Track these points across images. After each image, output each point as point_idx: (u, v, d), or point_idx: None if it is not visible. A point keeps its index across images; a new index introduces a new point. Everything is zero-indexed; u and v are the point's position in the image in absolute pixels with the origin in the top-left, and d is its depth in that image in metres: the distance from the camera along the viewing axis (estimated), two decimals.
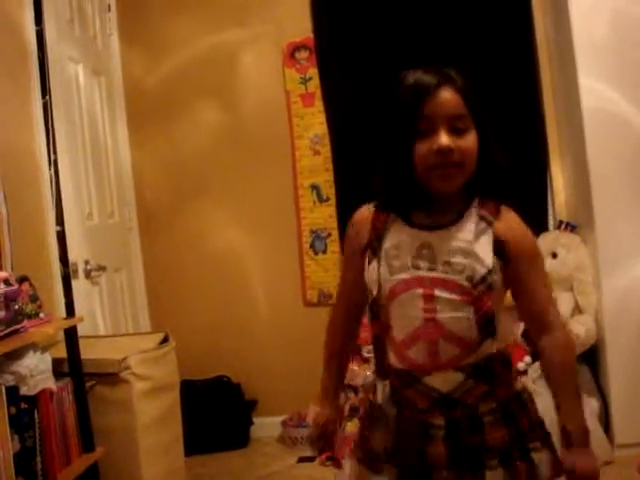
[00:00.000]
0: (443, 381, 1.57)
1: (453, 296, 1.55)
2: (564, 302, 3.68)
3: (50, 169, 2.92)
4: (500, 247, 1.57)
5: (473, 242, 1.57)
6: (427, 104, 1.55)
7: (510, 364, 1.68)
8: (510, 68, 4.01)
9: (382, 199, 1.67)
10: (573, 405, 1.71)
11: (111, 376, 2.71)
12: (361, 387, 3.69)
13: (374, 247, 1.63)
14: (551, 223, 4.10)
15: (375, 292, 1.60)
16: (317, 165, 4.18)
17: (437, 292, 1.55)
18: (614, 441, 3.49)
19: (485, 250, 1.57)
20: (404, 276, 1.57)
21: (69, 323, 2.69)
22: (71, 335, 2.68)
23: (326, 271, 4.24)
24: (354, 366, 3.72)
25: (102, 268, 3.55)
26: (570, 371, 1.71)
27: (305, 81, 4.22)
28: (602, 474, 3.27)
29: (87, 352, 2.73)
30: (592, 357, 3.67)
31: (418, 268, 1.57)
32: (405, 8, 4.09)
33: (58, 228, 2.84)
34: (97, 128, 3.89)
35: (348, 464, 1.71)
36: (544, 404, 3.43)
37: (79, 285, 3.29)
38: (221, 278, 4.34)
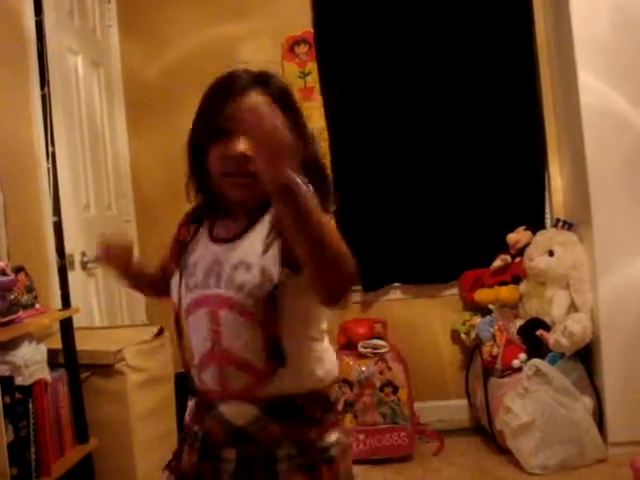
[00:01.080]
0: (236, 412, 1.44)
1: (237, 317, 1.42)
2: (560, 300, 3.69)
3: (48, 161, 2.92)
4: (291, 254, 1.33)
5: (261, 254, 1.42)
6: (230, 103, 1.43)
7: (330, 408, 1.51)
8: (509, 65, 4.03)
9: (193, 208, 1.60)
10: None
11: (106, 367, 2.71)
12: (356, 382, 3.70)
13: (180, 259, 1.55)
14: (548, 221, 4.11)
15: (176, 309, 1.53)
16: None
17: (222, 312, 1.43)
18: (608, 439, 3.50)
19: (273, 263, 1.40)
20: (194, 295, 1.48)
21: (65, 314, 2.69)
22: (66, 326, 2.68)
23: None
24: (349, 361, 3.73)
25: None
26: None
27: (304, 75, 4.21)
28: (595, 472, 3.32)
29: (82, 343, 2.73)
30: (587, 355, 3.68)
31: (207, 286, 1.46)
32: (407, 4, 4.09)
33: (55, 219, 2.84)
34: (95, 120, 3.89)
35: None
36: (537, 401, 3.47)
37: (75, 276, 3.29)
38: None
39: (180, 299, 1.51)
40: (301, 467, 1.43)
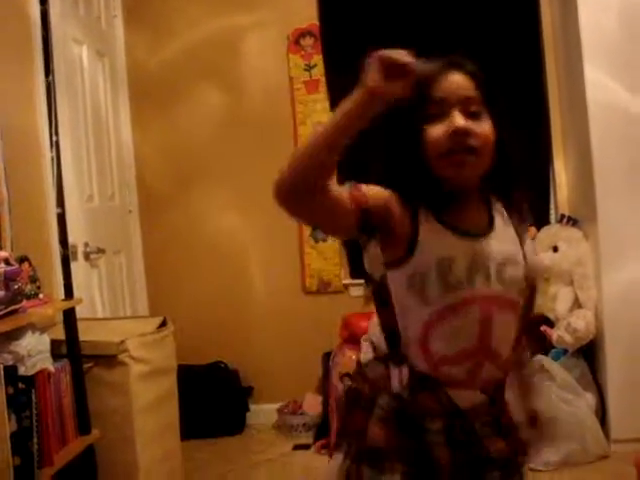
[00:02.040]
0: (465, 399, 1.45)
1: (507, 314, 1.44)
2: (564, 296, 3.69)
3: (52, 150, 2.90)
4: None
5: (519, 245, 1.46)
6: (437, 86, 1.42)
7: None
8: (515, 60, 4.01)
9: (404, 192, 1.43)
10: None
11: (109, 358, 2.71)
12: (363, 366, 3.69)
13: (399, 257, 1.42)
14: (553, 217, 4.09)
15: (407, 296, 1.42)
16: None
17: (494, 312, 1.42)
18: (610, 436, 3.49)
19: (531, 250, 1.47)
20: (461, 294, 1.40)
21: (68, 304, 2.68)
22: (69, 316, 2.67)
23: (326, 259, 4.23)
24: (352, 355, 3.72)
25: (101, 250, 3.54)
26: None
27: (309, 68, 4.20)
28: (598, 469, 3.31)
29: (85, 334, 2.72)
30: (590, 352, 3.67)
31: (473, 283, 1.40)
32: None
33: (58, 210, 2.83)
34: (99, 110, 3.88)
35: (336, 458, 1.50)
36: (541, 397, 3.44)
37: (78, 267, 3.29)
38: (220, 264, 4.33)
39: (427, 295, 1.40)
40: (498, 432, 1.48)
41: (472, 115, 1.40)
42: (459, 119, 1.38)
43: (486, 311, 1.41)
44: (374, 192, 1.41)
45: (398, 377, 1.46)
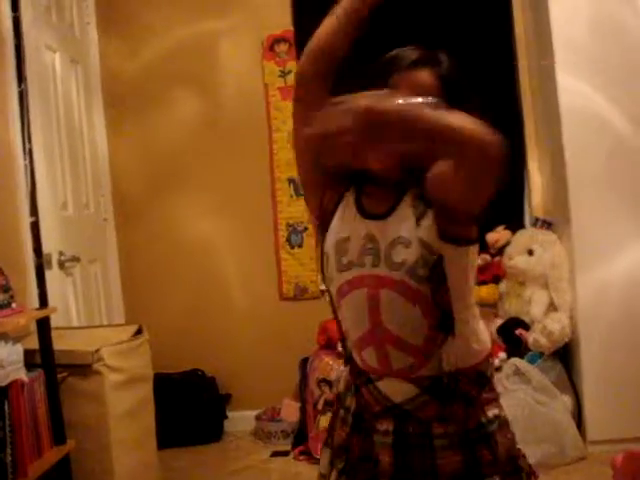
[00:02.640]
0: (395, 390, 1.45)
1: (397, 296, 1.40)
2: (539, 299, 3.71)
3: (25, 159, 2.89)
4: (448, 225, 1.39)
5: (415, 227, 1.40)
6: (394, 76, 1.43)
7: (486, 384, 1.51)
8: (489, 65, 4.03)
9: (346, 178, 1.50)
10: None
11: (83, 368, 2.69)
12: (334, 380, 3.69)
13: (325, 220, 1.51)
14: (527, 220, 4.12)
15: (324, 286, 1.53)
16: (294, 159, 4.15)
17: (382, 293, 1.41)
18: (587, 438, 3.51)
19: (428, 233, 1.39)
20: (349, 275, 1.44)
21: (42, 314, 2.66)
22: (43, 326, 2.65)
23: (302, 265, 4.22)
24: (329, 360, 3.72)
25: (76, 259, 3.51)
26: None
27: (284, 74, 4.20)
28: (575, 470, 3.32)
29: (60, 343, 2.70)
30: (566, 354, 3.69)
31: (363, 265, 1.42)
32: (387, 5, 4.08)
33: (32, 219, 2.81)
34: (73, 117, 3.85)
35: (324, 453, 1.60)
36: (516, 400, 3.48)
37: (53, 276, 3.26)
38: (197, 271, 4.31)
39: (328, 277, 1.48)
40: (458, 445, 1.43)
41: None
42: None
43: (373, 292, 1.41)
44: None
45: (345, 378, 1.54)
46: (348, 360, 1.54)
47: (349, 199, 1.49)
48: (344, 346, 1.55)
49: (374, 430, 1.47)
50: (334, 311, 1.53)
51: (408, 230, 1.40)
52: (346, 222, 1.47)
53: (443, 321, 1.42)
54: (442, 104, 1.28)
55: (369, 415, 1.48)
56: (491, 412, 1.49)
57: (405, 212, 1.43)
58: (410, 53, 1.46)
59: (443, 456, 1.42)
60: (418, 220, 1.40)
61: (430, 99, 1.28)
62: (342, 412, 1.54)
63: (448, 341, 1.43)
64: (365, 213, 1.46)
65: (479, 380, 1.49)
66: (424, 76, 1.42)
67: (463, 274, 1.44)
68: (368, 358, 1.46)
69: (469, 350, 1.47)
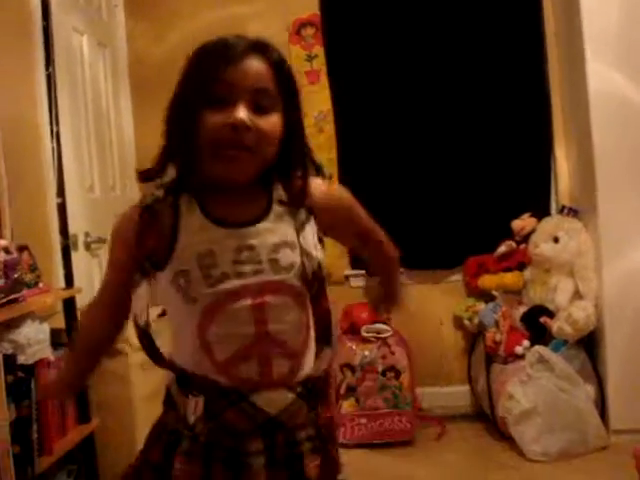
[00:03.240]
0: (271, 401, 1.36)
1: (286, 300, 1.37)
2: (564, 287, 3.69)
3: (52, 141, 2.91)
4: (322, 224, 1.44)
5: (296, 234, 1.38)
6: (229, 68, 1.32)
7: (329, 383, 1.52)
8: (517, 49, 4.00)
9: (171, 185, 1.40)
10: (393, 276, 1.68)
11: None
12: (359, 366, 3.70)
13: (163, 256, 1.36)
14: (554, 208, 4.09)
15: (178, 305, 1.38)
16: (321, 143, 4.15)
17: (268, 299, 1.35)
18: (610, 427, 3.50)
19: (311, 240, 1.40)
20: (226, 286, 1.33)
21: (68, 293, 2.69)
22: (69, 306, 2.68)
23: (326, 250, 4.21)
24: (352, 345, 3.73)
25: (102, 240, 3.54)
26: (393, 261, 1.66)
27: (310, 58, 4.18)
28: (597, 459, 3.32)
29: None
30: (590, 343, 3.67)
31: (241, 275, 1.34)
32: None
33: (59, 200, 2.84)
34: (101, 100, 3.87)
35: None
36: (539, 388, 3.47)
37: (79, 257, 3.29)
38: None
39: (192, 296, 1.34)
40: (318, 449, 1.42)
41: (260, 109, 1.32)
42: (241, 112, 1.30)
43: (258, 299, 1.34)
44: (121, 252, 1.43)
45: (193, 408, 1.37)
46: (199, 388, 1.39)
47: (191, 211, 1.37)
48: (185, 377, 1.43)
49: (243, 453, 1.36)
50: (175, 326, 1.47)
51: (291, 235, 1.38)
52: (197, 235, 1.35)
53: (323, 329, 1.44)
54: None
55: (231, 439, 1.36)
56: (332, 415, 1.50)
57: (281, 218, 1.39)
58: (237, 41, 1.36)
59: (309, 461, 1.40)
60: (298, 230, 1.39)
61: None
62: (185, 444, 1.38)
63: (324, 348, 1.45)
64: (224, 222, 1.36)
65: (327, 381, 1.50)
66: (256, 64, 1.34)
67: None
68: (245, 372, 1.35)
69: (326, 355, 1.47)
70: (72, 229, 3.15)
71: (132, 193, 4.21)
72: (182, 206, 1.37)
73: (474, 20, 4.03)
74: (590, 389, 3.53)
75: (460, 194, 4.05)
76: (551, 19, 4.04)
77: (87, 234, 3.42)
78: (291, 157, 1.40)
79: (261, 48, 1.36)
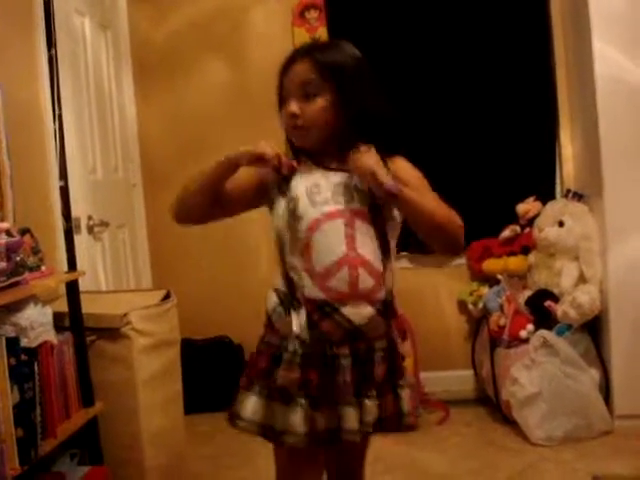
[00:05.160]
0: (357, 313, 1.73)
1: (365, 225, 1.76)
2: (569, 271, 3.67)
3: (54, 123, 2.88)
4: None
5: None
6: (285, 76, 1.83)
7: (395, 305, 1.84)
8: (522, 32, 3.98)
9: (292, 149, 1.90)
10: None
11: (112, 331, 2.70)
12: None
13: (282, 187, 1.82)
14: (558, 191, 4.07)
15: (288, 227, 1.77)
16: None
17: (356, 222, 1.75)
18: (614, 412, 3.49)
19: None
20: (326, 208, 1.76)
21: (70, 277, 2.67)
22: (72, 289, 2.66)
23: None
24: None
25: (105, 224, 3.53)
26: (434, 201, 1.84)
27: (315, 41, 4.15)
28: (602, 444, 3.32)
29: (88, 307, 2.72)
30: (595, 327, 3.66)
31: (338, 202, 1.76)
32: None
33: (61, 182, 2.81)
34: (103, 82, 3.85)
35: (250, 399, 1.82)
36: (544, 372, 3.46)
37: (81, 240, 3.27)
38: (225, 237, 4.32)
39: (298, 215, 1.76)
40: (386, 358, 1.80)
41: (308, 96, 1.78)
42: (291, 105, 1.79)
43: (349, 221, 1.75)
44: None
45: (297, 321, 1.75)
46: (298, 304, 1.76)
47: (305, 164, 1.84)
48: (291, 291, 1.77)
49: (335, 357, 1.74)
50: (282, 252, 1.80)
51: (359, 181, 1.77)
52: (308, 176, 1.81)
53: (385, 243, 1.78)
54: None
55: (326, 346, 1.74)
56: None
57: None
58: (293, 53, 1.85)
59: (378, 365, 1.78)
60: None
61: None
62: (287, 355, 1.76)
63: (387, 268, 1.78)
64: (328, 168, 1.82)
65: (393, 302, 1.83)
66: (299, 65, 1.80)
67: (391, 211, 1.80)
68: (337, 284, 1.72)
69: (393, 278, 1.81)
70: (75, 212, 3.12)
71: (134, 175, 4.21)
72: (301, 158, 1.86)
73: (480, 3, 4.00)
74: (594, 374, 3.52)
75: (464, 177, 4.04)
76: (557, 1, 4.01)
77: (90, 217, 3.41)
78: (355, 127, 1.79)
79: (308, 51, 1.82)
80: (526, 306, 3.75)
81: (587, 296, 3.52)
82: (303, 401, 1.72)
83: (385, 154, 1.79)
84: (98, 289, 3.43)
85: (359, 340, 1.75)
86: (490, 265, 3.96)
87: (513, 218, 3.96)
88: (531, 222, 3.90)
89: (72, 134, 3.25)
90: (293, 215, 1.77)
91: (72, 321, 2.65)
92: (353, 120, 1.79)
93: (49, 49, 2.85)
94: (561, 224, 3.72)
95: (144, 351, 2.73)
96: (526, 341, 3.60)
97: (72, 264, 2.77)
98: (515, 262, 3.89)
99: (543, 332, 3.53)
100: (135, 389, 2.70)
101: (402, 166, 1.85)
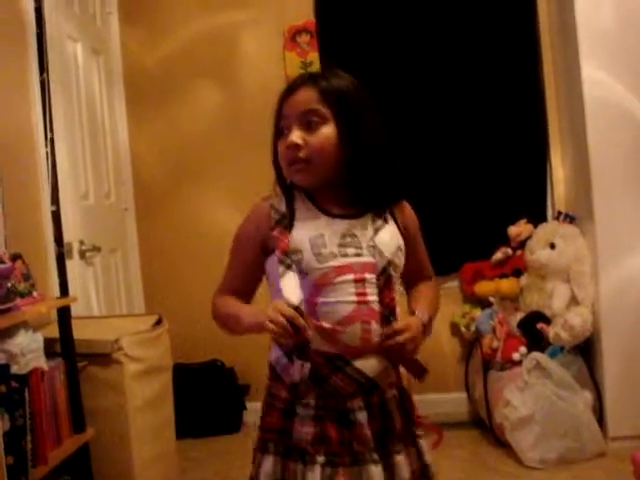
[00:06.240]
0: (371, 365, 1.63)
1: (372, 276, 1.64)
2: (561, 293, 3.68)
3: (46, 147, 2.90)
4: (402, 232, 1.72)
5: (375, 232, 1.68)
6: (285, 104, 1.66)
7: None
8: (512, 55, 4.01)
9: (285, 191, 1.73)
10: (425, 305, 1.79)
11: (103, 357, 2.70)
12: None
13: (286, 236, 1.65)
14: (550, 214, 4.08)
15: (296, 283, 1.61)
16: None
17: (366, 275, 1.63)
18: (607, 433, 3.48)
19: (388, 241, 1.68)
20: (334, 263, 1.62)
21: (62, 302, 2.67)
22: (64, 315, 2.66)
23: None
24: None
25: (97, 249, 3.53)
26: (432, 295, 1.86)
27: (306, 65, 4.18)
28: (595, 466, 3.30)
29: (80, 332, 2.71)
30: (587, 349, 3.66)
31: (346, 255, 1.63)
32: None
33: (53, 207, 2.83)
34: (95, 107, 3.86)
35: (266, 460, 1.68)
36: (537, 394, 3.46)
37: (73, 265, 3.27)
38: (217, 261, 4.23)
39: (303, 270, 1.61)
40: (400, 406, 1.70)
41: (311, 126, 1.62)
42: (293, 135, 1.62)
43: (359, 275, 1.63)
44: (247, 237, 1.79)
45: (299, 369, 1.62)
46: (302, 356, 1.61)
47: (305, 207, 1.69)
48: (301, 347, 1.59)
49: (350, 411, 1.62)
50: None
51: (373, 227, 1.69)
52: (311, 224, 1.66)
53: (391, 311, 1.67)
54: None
55: (338, 401, 1.62)
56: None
57: (367, 218, 1.70)
58: (294, 81, 1.69)
59: (395, 416, 1.68)
60: (376, 231, 1.68)
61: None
62: (300, 410, 1.64)
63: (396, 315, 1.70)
64: (331, 214, 1.68)
65: None
66: (302, 94, 1.64)
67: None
68: (349, 338, 1.61)
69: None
70: (67, 237, 3.13)
71: (126, 199, 4.21)
72: (297, 201, 1.69)
73: (468, 26, 4.03)
74: (587, 395, 3.51)
75: (456, 200, 4.05)
76: (546, 23, 4.05)
77: (82, 242, 3.41)
78: (360, 162, 1.65)
79: (312, 79, 1.66)
80: (518, 328, 3.75)
81: (579, 318, 3.53)
82: (322, 459, 1.60)
83: (392, 200, 1.75)
84: (90, 314, 3.42)
85: (372, 392, 1.65)
86: (482, 287, 3.96)
87: (505, 240, 3.97)
88: (523, 244, 3.91)
89: (64, 159, 3.26)
90: (298, 269, 1.62)
91: (63, 347, 2.64)
92: (358, 154, 1.65)
93: (41, 74, 2.88)
94: (552, 246, 3.73)
95: (136, 377, 2.72)
96: (519, 363, 3.59)
97: (64, 289, 2.77)
98: (507, 284, 3.90)
99: (536, 354, 3.53)
100: (127, 415, 2.69)
101: (409, 215, 1.79)
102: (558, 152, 4.08)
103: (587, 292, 3.61)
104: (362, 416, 1.62)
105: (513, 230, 3.95)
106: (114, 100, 4.15)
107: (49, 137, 2.87)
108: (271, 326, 1.50)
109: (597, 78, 3.46)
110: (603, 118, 3.47)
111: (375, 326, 1.63)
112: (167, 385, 3.02)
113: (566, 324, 3.53)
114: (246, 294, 1.80)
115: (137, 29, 4.31)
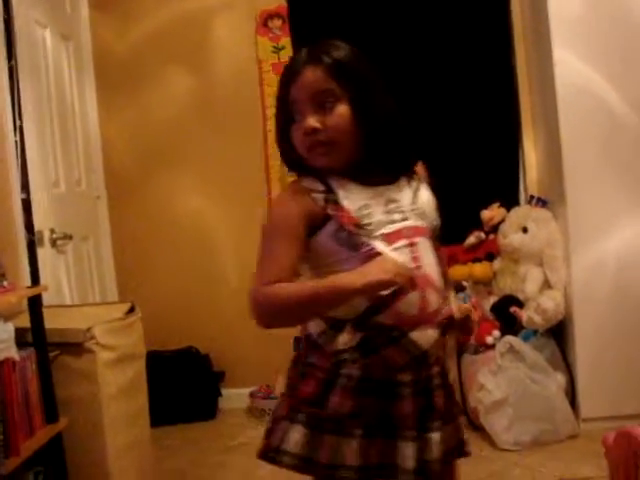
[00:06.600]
0: (425, 337, 1.59)
1: (427, 242, 1.65)
2: (534, 277, 3.70)
3: (15, 135, 2.86)
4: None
5: (420, 190, 1.72)
6: (292, 90, 1.60)
7: None
8: (483, 39, 4.01)
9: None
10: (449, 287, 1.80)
11: (75, 346, 2.67)
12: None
13: (322, 219, 1.59)
14: (522, 198, 4.10)
15: (341, 253, 1.57)
16: None
17: (418, 240, 1.62)
18: (580, 415, 3.52)
19: (426, 202, 1.72)
20: (385, 231, 1.58)
21: (33, 292, 2.64)
22: (35, 304, 2.63)
23: None
24: None
25: (68, 237, 3.49)
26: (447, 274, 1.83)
27: (278, 50, 4.16)
28: (568, 448, 3.34)
29: (51, 322, 2.68)
30: (559, 332, 3.69)
31: (393, 222, 1.60)
32: None
33: (23, 195, 2.78)
34: (65, 94, 3.82)
35: (294, 429, 1.61)
36: (510, 378, 3.48)
37: (45, 254, 3.24)
38: (190, 248, 4.30)
39: (357, 244, 1.56)
40: (442, 384, 1.69)
41: (324, 108, 1.58)
42: (309, 120, 1.57)
43: (411, 241, 1.61)
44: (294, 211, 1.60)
45: (347, 339, 1.58)
46: (360, 326, 1.57)
47: (337, 182, 1.62)
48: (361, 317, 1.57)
49: (395, 384, 1.60)
50: None
51: (411, 191, 1.70)
52: (354, 196, 1.60)
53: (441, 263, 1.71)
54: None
55: (386, 373, 1.59)
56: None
57: (403, 182, 1.70)
58: (296, 60, 1.63)
59: (437, 393, 1.66)
60: (415, 193, 1.70)
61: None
62: (342, 380, 1.59)
63: (447, 285, 1.72)
64: (372, 183, 1.63)
65: None
66: (308, 75, 1.58)
67: None
68: (407, 308, 1.56)
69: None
70: (37, 225, 3.10)
71: (98, 187, 4.17)
72: (327, 178, 1.62)
73: (441, 11, 4.02)
74: (560, 378, 3.55)
75: (429, 184, 4.04)
76: (518, 8, 4.06)
77: (53, 230, 3.37)
78: (379, 131, 1.62)
79: (314, 56, 1.60)
80: (492, 312, 3.77)
81: (552, 302, 3.56)
82: (359, 431, 1.57)
83: (413, 164, 1.75)
84: (62, 303, 3.39)
85: (422, 366, 1.62)
86: (455, 272, 3.97)
87: (477, 224, 3.98)
88: (495, 228, 3.93)
89: (34, 146, 3.22)
90: (348, 242, 1.57)
91: (35, 337, 2.61)
92: (374, 123, 1.61)
93: (9, 60, 2.83)
94: (525, 230, 3.75)
95: (109, 365, 2.70)
96: (492, 347, 3.62)
97: (35, 278, 2.74)
98: (480, 269, 3.91)
99: (509, 338, 3.56)
100: (100, 404, 2.67)
101: (425, 177, 1.79)
102: (530, 136, 4.09)
103: (559, 276, 3.64)
104: (407, 391, 1.60)
105: (486, 214, 3.96)
106: (84, 87, 4.10)
107: (18, 125, 2.83)
108: (398, 277, 1.48)
109: (569, 63, 3.47)
110: (575, 103, 3.48)
111: (431, 294, 1.60)
112: (141, 373, 3.00)
113: (539, 307, 3.56)
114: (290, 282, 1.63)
115: (107, 14, 4.26)
